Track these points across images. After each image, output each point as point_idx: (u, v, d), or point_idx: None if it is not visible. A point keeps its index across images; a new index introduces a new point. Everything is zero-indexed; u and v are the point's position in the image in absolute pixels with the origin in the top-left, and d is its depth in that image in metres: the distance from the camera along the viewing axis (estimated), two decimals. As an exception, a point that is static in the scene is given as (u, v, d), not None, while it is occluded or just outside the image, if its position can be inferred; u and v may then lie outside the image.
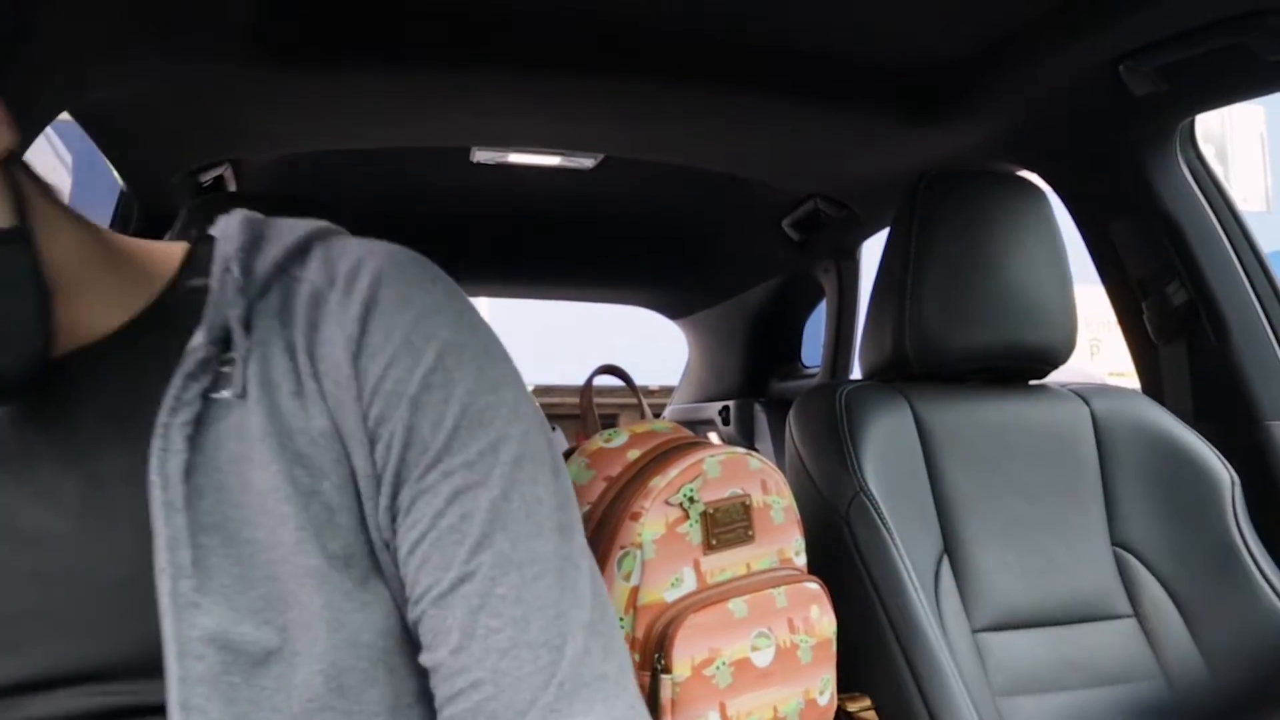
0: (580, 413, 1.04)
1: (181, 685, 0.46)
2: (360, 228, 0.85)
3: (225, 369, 0.53)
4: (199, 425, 0.51)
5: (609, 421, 1.03)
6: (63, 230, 0.55)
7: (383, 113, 1.31)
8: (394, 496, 0.52)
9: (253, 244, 0.56)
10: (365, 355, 0.52)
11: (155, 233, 1.42)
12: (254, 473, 0.50)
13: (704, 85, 1.30)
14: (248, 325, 0.54)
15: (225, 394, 0.52)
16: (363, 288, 0.53)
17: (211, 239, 0.58)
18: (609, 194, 1.86)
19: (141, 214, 1.56)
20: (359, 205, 0.97)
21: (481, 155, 1.57)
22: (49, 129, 1.14)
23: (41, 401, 0.54)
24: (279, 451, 0.51)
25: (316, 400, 0.52)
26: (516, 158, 1.59)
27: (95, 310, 0.55)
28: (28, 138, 1.11)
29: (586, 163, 1.63)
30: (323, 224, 0.60)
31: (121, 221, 1.58)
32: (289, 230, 0.58)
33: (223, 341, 0.53)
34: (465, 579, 0.51)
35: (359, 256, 0.56)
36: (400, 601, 0.53)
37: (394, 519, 0.52)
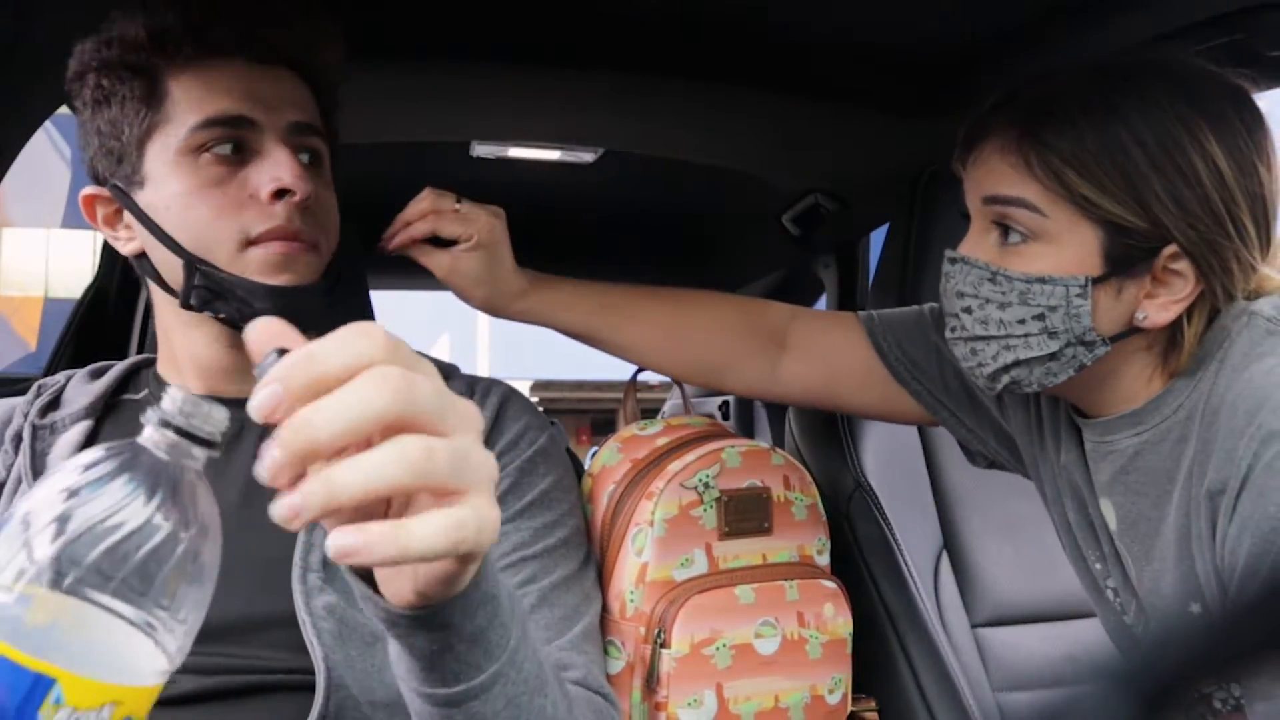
0: (621, 403, 1.13)
1: (316, 635, 0.69)
2: (361, 223, 0.85)
3: None
4: None
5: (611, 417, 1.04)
6: None
7: (381, 107, 1.31)
8: None
9: None
10: (493, 438, 0.82)
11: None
12: None
13: (703, 80, 1.30)
14: None
15: None
16: (494, 401, 0.85)
17: None
18: (609, 188, 1.86)
19: None
20: (358, 200, 0.97)
21: (481, 150, 1.57)
22: (47, 123, 1.13)
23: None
24: None
25: None
26: (516, 152, 1.58)
27: None
28: (26, 131, 1.11)
29: (586, 157, 1.62)
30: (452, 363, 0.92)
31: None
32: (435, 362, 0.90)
33: None
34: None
35: (490, 383, 0.88)
36: None
37: None
